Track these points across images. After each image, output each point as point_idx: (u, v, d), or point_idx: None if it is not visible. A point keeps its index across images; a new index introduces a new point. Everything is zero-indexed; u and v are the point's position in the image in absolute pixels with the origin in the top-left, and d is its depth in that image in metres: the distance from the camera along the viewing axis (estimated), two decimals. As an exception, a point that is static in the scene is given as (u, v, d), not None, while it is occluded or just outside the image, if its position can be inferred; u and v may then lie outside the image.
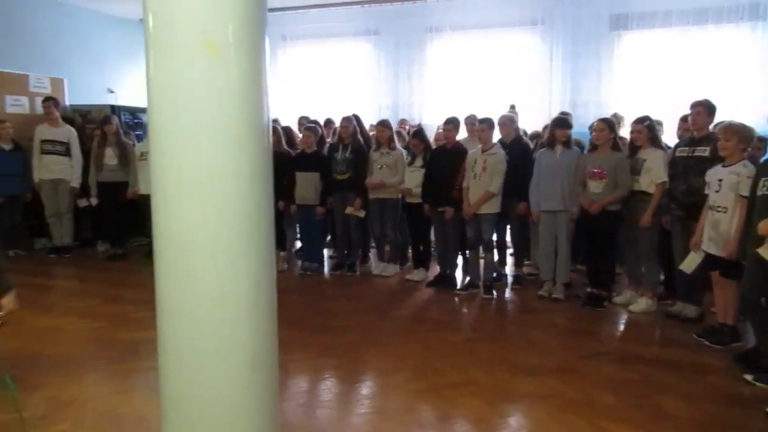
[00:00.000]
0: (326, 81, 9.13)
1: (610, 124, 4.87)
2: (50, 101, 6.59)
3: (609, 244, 4.89)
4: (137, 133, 7.58)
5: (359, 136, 6.04)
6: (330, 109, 8.05)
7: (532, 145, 5.71)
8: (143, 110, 8.08)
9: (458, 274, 5.83)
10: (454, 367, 3.72)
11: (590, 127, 5.08)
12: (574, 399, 3.27)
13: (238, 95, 1.67)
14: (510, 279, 5.75)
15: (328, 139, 6.56)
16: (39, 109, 6.97)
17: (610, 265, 5.09)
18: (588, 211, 4.78)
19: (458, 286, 5.56)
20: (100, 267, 6.46)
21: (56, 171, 6.55)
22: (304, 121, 6.94)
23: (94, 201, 6.67)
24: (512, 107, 6.79)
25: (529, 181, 5.18)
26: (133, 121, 7.89)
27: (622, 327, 4.67)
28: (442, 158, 5.52)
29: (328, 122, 7.25)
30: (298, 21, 8.85)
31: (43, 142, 6.52)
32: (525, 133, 6.22)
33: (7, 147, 6.34)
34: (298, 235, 6.85)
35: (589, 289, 5.05)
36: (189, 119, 1.64)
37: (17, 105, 7.17)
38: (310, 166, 5.96)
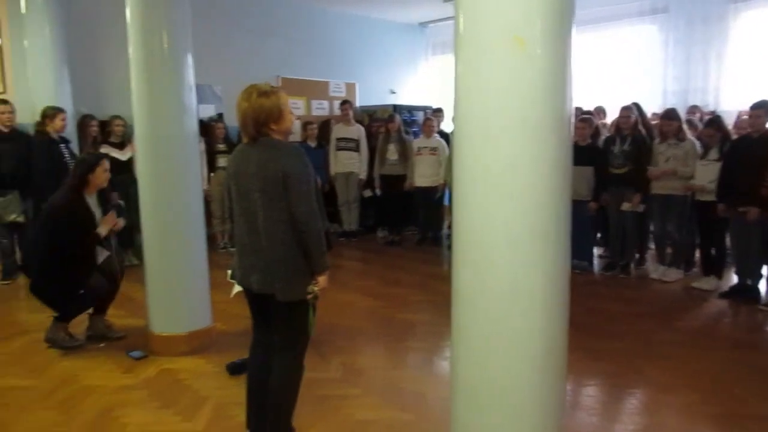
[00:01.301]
0: (601, 68, 8.55)
1: None
2: (347, 104, 7.54)
3: None
4: (414, 129, 8.19)
5: (640, 127, 5.53)
6: (604, 98, 7.54)
7: None
8: (419, 108, 8.70)
9: (762, 285, 4.94)
10: (760, 397, 3.16)
11: None
12: None
13: (542, 89, 1.67)
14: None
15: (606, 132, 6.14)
16: (336, 111, 8.03)
17: None
18: None
19: (764, 301, 4.71)
20: (380, 251, 7.17)
21: (348, 165, 7.46)
22: (577, 112, 6.62)
23: (377, 192, 7.40)
24: None
25: None
26: (411, 119, 8.53)
27: None
28: (745, 149, 4.72)
29: (598, 111, 6.80)
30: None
31: (338, 139, 7.48)
32: None
33: (313, 144, 7.44)
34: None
35: None
36: (493, 114, 1.69)
37: (320, 108, 8.40)
38: (582, 159, 5.66)
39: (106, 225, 3.85)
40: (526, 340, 1.78)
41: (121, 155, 5.94)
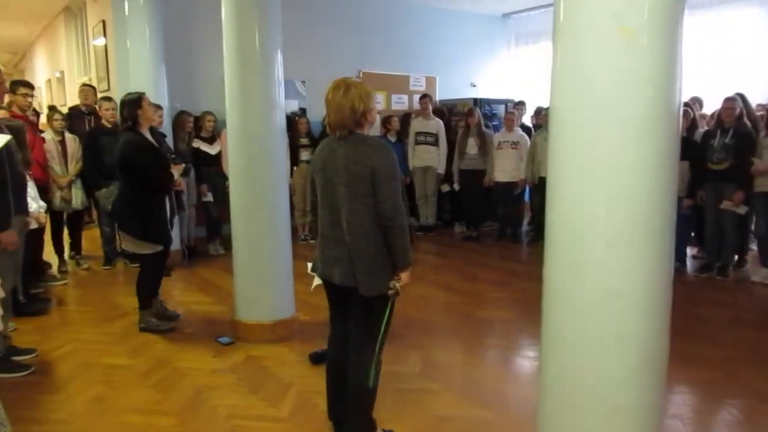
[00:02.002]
0: (701, 55, 7.98)
1: None
2: (426, 97, 7.51)
3: None
4: (494, 123, 8.04)
5: (745, 119, 5.14)
6: (702, 88, 7.05)
7: None
8: (500, 102, 8.53)
9: None
10: None
11: None
12: None
13: (649, 82, 1.57)
14: None
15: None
16: (416, 105, 8.02)
17: None
18: None
19: None
20: (457, 246, 7.11)
21: (426, 159, 7.43)
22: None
23: (456, 186, 7.33)
24: None
25: None
26: (491, 112, 8.38)
27: None
28: None
29: (694, 102, 6.38)
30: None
31: (417, 134, 7.46)
32: None
33: (393, 139, 7.46)
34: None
35: None
36: (594, 108, 1.61)
37: (399, 102, 8.42)
38: (677, 154, 5.34)
39: (177, 170, 4.08)
40: (624, 345, 1.69)
41: (211, 149, 6.22)
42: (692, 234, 6.05)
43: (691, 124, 5.50)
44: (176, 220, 5.95)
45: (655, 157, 1.60)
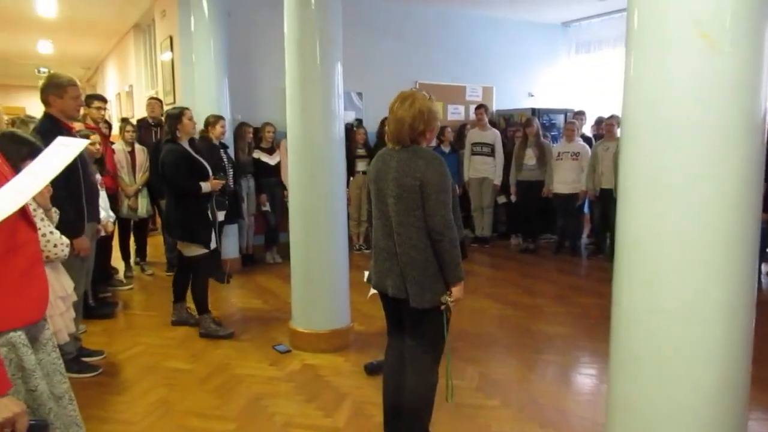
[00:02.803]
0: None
1: None
2: (482, 108, 7.44)
3: None
4: (552, 134, 7.87)
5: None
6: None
7: None
8: (558, 111, 8.36)
9: None
10: None
11: None
12: None
13: (732, 90, 1.48)
14: None
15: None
16: (471, 115, 7.95)
17: None
18: None
19: None
20: (514, 259, 6.97)
21: (482, 170, 7.34)
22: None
23: (513, 198, 7.21)
24: None
25: None
26: (549, 122, 8.22)
27: None
28: None
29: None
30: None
31: (473, 144, 7.39)
32: None
33: (447, 149, 7.43)
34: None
35: None
36: (672, 118, 1.53)
37: (456, 113, 8.38)
38: None
39: (211, 183, 4.19)
40: (703, 369, 1.59)
41: (270, 159, 6.35)
42: (767, 250, 5.70)
43: None
44: (236, 228, 6.14)
45: (739, 169, 1.51)
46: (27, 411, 1.28)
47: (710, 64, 1.48)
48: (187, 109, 4.27)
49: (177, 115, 4.15)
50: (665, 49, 1.53)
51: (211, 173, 4.26)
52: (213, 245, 4.24)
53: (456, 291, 2.36)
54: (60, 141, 1.05)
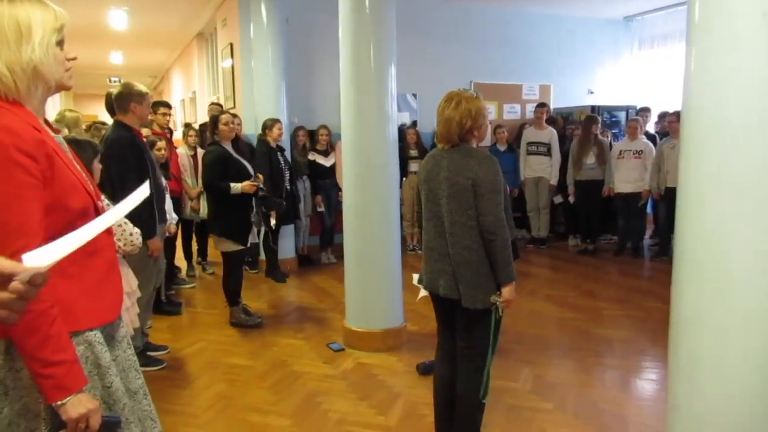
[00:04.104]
0: None
1: None
2: (544, 107, 7.29)
3: None
4: (614, 131, 7.62)
5: None
6: None
7: None
8: (620, 108, 8.09)
9: None
10: None
11: None
12: None
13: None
14: None
15: None
16: (528, 114, 7.81)
17: None
18: None
19: None
20: (572, 260, 6.79)
21: (538, 170, 7.20)
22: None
23: (571, 199, 7.02)
24: None
25: None
26: (611, 120, 7.96)
27: None
28: None
29: None
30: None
31: (529, 143, 7.26)
32: None
33: (503, 148, 7.33)
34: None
35: None
36: (737, 112, 1.46)
37: (512, 112, 8.25)
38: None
39: (247, 185, 4.27)
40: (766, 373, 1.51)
41: (326, 161, 6.46)
42: None
43: None
44: (292, 228, 6.29)
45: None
46: (101, 407, 1.34)
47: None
48: (222, 114, 4.52)
49: (213, 121, 4.43)
50: (731, 40, 1.45)
51: (253, 173, 4.45)
52: (249, 242, 4.46)
53: (507, 292, 2.33)
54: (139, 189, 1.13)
